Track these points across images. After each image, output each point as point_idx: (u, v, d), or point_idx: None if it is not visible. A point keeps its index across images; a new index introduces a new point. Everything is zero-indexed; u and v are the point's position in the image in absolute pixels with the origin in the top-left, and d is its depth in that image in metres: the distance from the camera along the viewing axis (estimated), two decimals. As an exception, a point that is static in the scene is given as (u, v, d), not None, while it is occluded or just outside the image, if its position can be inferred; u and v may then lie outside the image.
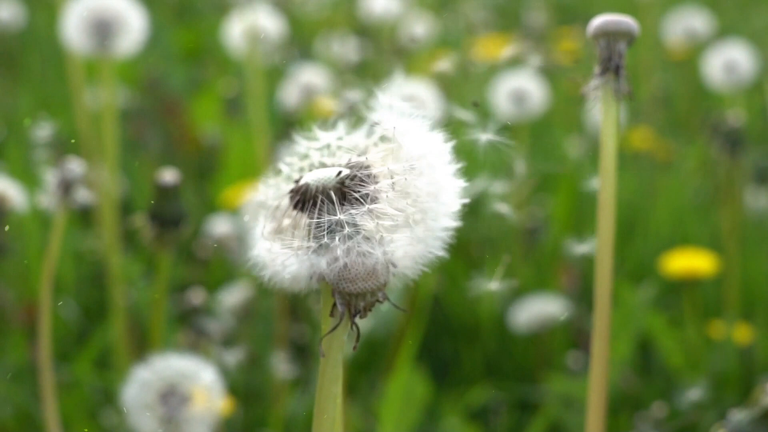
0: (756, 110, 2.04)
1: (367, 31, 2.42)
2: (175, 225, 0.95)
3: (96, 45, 1.27)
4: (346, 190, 0.45)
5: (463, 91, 2.15)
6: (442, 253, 0.46)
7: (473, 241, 1.60)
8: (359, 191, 0.45)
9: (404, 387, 1.15)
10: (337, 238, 0.44)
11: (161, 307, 1.05)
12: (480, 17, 2.78)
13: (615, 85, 0.56)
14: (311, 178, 0.45)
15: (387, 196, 0.45)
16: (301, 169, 0.48)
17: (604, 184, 0.57)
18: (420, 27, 2.34)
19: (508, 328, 1.41)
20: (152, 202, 0.96)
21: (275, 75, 1.98)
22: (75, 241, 1.48)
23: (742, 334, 1.35)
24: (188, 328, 1.09)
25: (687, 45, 2.27)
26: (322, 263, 0.44)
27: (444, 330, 1.46)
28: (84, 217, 1.54)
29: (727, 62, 1.86)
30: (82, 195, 0.87)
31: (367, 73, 2.21)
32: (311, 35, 2.52)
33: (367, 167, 0.46)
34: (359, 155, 0.47)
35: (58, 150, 1.54)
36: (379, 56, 2.26)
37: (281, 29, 1.75)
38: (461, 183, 0.46)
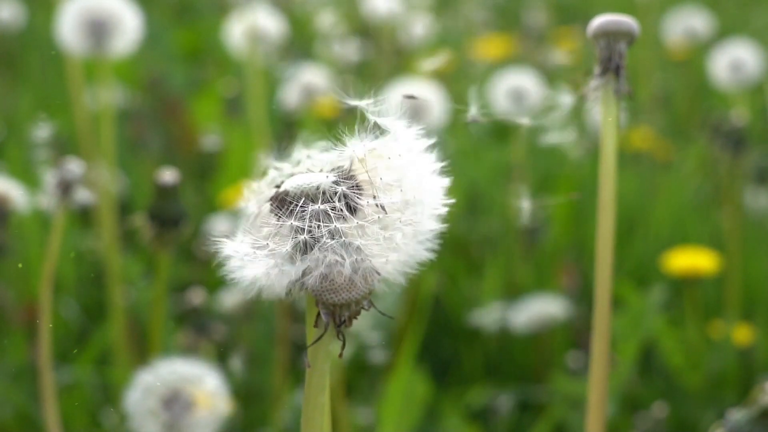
0: (756, 110, 2.04)
1: (367, 31, 2.42)
2: (174, 225, 0.95)
3: (91, 45, 1.26)
4: (330, 196, 0.44)
5: (463, 90, 2.14)
6: (428, 257, 0.45)
7: (473, 241, 1.60)
8: (342, 199, 0.44)
9: (404, 387, 1.15)
10: (316, 247, 0.43)
11: (161, 307, 1.05)
12: (480, 17, 2.78)
13: (615, 86, 0.56)
14: (292, 184, 0.44)
15: (369, 203, 0.44)
16: (288, 175, 0.47)
17: (604, 184, 0.57)
18: (420, 27, 2.34)
19: (508, 328, 1.41)
20: (152, 201, 0.96)
21: (275, 75, 1.98)
22: (75, 241, 1.48)
23: (743, 334, 1.35)
24: (188, 328, 1.09)
25: (687, 45, 2.27)
26: (299, 272, 0.43)
27: (444, 330, 1.46)
28: (84, 217, 1.54)
29: (733, 61, 1.86)
30: (82, 195, 0.87)
31: (367, 73, 2.21)
32: (311, 35, 2.51)
33: (351, 173, 0.45)
34: (343, 161, 0.46)
35: (57, 150, 1.54)
36: (379, 56, 2.26)
37: (281, 29, 1.75)
38: (446, 182, 0.45)
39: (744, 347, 1.33)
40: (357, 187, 0.44)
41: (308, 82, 1.78)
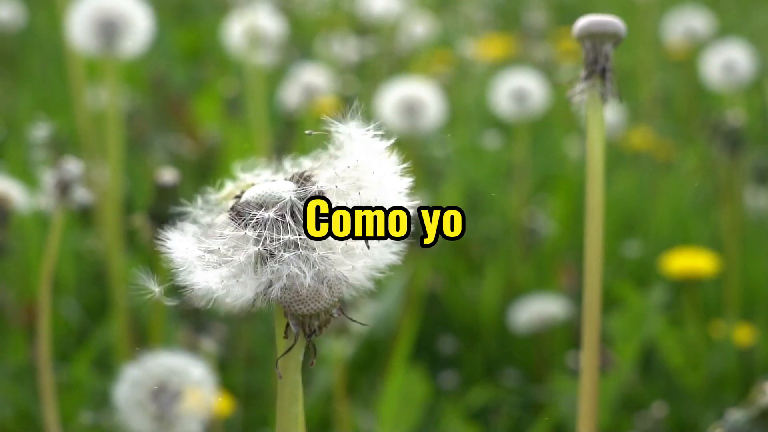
0: (756, 110, 2.04)
1: (367, 31, 2.42)
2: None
3: (102, 45, 1.26)
4: (290, 206, 0.43)
5: (464, 90, 2.15)
6: (396, 261, 0.44)
7: (473, 241, 1.60)
8: (301, 209, 0.43)
9: (403, 387, 1.15)
10: (275, 258, 0.42)
11: (161, 307, 1.05)
12: (480, 17, 2.78)
13: (602, 89, 0.54)
14: (252, 194, 0.44)
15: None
16: (248, 185, 0.46)
17: (592, 189, 0.55)
18: (420, 27, 2.34)
19: (508, 328, 1.41)
20: (152, 201, 0.96)
21: (275, 75, 1.98)
22: (75, 240, 1.48)
23: (743, 334, 1.35)
24: (188, 328, 1.09)
25: (687, 45, 2.27)
26: (262, 284, 0.42)
27: (444, 330, 1.46)
28: (84, 217, 1.54)
29: (726, 62, 1.86)
30: (81, 195, 0.87)
31: (367, 73, 2.21)
32: (311, 35, 2.52)
33: (312, 182, 0.44)
34: (304, 170, 0.45)
35: (58, 150, 1.54)
36: (379, 56, 2.26)
37: (281, 29, 1.75)
38: (408, 183, 0.44)
39: (744, 347, 1.33)
40: (320, 194, 0.44)
41: (308, 81, 1.78)
